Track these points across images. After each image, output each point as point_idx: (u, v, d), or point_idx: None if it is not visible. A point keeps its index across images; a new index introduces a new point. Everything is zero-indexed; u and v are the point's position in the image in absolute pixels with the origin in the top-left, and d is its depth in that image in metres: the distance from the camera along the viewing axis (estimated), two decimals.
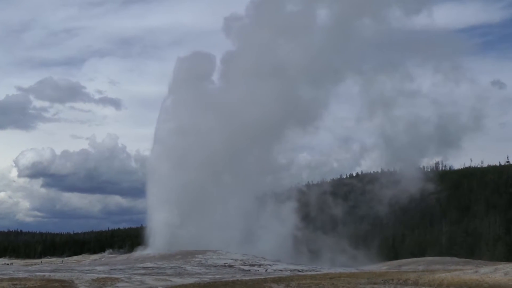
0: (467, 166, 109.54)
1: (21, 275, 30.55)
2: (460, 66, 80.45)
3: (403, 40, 73.90)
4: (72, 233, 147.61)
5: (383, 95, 70.55)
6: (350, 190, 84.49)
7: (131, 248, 73.63)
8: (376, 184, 72.60)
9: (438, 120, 74.90)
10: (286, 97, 64.75)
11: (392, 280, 23.61)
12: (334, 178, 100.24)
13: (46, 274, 31.01)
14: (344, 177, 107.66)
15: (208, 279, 29.27)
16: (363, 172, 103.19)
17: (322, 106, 68.25)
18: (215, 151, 61.34)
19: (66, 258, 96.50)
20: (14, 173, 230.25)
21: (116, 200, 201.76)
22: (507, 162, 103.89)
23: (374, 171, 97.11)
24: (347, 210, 72.10)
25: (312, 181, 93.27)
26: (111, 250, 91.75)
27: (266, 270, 38.74)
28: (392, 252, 70.74)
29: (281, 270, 39.31)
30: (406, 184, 67.15)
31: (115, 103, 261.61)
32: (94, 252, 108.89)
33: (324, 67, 66.70)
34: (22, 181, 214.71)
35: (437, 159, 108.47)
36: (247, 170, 64.24)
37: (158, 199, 60.64)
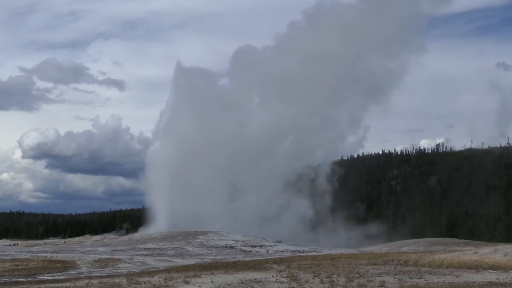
0: (467, 147, 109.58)
1: (23, 255, 30.71)
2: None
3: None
4: (74, 214, 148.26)
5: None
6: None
7: (133, 229, 73.98)
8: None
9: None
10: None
11: (393, 261, 23.68)
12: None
13: (48, 255, 31.15)
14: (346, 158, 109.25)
15: (209, 260, 29.37)
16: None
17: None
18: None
19: (68, 239, 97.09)
20: (18, 154, 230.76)
21: (119, 182, 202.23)
22: (508, 144, 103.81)
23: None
24: None
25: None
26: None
27: (267, 251, 38.94)
28: (393, 233, 71.08)
29: (282, 251, 39.52)
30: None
31: (119, 85, 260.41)
32: (96, 233, 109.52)
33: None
34: (26, 162, 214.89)
35: (439, 140, 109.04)
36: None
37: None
